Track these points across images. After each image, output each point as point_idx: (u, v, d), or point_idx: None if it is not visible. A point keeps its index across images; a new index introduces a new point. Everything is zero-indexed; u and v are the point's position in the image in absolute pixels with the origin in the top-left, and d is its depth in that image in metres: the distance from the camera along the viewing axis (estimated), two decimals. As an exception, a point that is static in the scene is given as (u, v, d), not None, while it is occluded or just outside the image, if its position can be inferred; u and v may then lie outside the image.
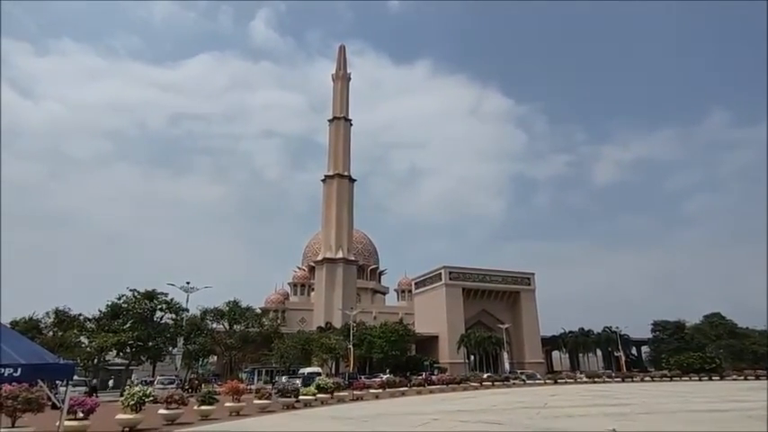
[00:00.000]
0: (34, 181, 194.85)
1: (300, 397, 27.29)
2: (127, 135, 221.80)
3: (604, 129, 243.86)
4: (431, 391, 40.15)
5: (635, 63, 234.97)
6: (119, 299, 47.79)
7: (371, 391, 34.69)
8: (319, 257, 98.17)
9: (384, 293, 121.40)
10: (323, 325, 75.41)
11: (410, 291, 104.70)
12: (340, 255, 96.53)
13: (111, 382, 40.17)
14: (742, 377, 59.52)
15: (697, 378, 59.75)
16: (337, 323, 75.41)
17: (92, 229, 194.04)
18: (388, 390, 36.99)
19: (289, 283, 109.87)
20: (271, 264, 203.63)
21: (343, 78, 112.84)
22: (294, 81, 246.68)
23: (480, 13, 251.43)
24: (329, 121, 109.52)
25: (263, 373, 59.20)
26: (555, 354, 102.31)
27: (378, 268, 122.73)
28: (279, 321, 75.53)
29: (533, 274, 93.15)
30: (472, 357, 79.28)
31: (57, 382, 18.14)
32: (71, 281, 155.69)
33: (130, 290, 48.22)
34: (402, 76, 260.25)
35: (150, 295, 48.62)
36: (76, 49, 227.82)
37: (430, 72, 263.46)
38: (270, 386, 32.02)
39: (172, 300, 49.74)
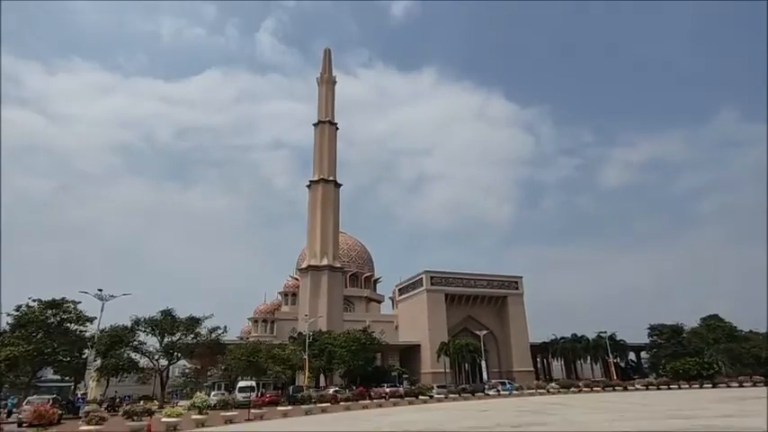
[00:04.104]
0: (48, 196, 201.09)
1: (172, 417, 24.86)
2: (136, 149, 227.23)
3: (611, 130, 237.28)
4: (364, 407, 37.39)
5: (639, 63, 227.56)
6: (17, 310, 44.27)
7: (279, 408, 32.12)
8: (303, 265, 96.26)
9: (379, 302, 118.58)
10: (298, 334, 73.21)
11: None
12: (325, 262, 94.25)
13: (11, 401, 38.33)
14: (736, 384, 54.22)
15: (687, 386, 54.75)
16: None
17: (102, 240, 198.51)
18: (321, 405, 34.37)
19: (279, 293, 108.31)
20: (277, 271, 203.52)
21: (328, 82, 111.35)
22: (301, 92, 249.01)
23: (484, 18, 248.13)
24: (314, 125, 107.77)
25: (222, 386, 57.26)
26: (554, 362, 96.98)
27: (373, 276, 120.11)
28: (266, 330, 74.73)
29: (521, 277, 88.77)
30: (459, 366, 75.48)
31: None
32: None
33: (33, 300, 45.02)
34: (409, 83, 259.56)
35: (53, 304, 45.30)
36: (85, 67, 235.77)
37: (436, 79, 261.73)
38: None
39: (75, 308, 46.07)
